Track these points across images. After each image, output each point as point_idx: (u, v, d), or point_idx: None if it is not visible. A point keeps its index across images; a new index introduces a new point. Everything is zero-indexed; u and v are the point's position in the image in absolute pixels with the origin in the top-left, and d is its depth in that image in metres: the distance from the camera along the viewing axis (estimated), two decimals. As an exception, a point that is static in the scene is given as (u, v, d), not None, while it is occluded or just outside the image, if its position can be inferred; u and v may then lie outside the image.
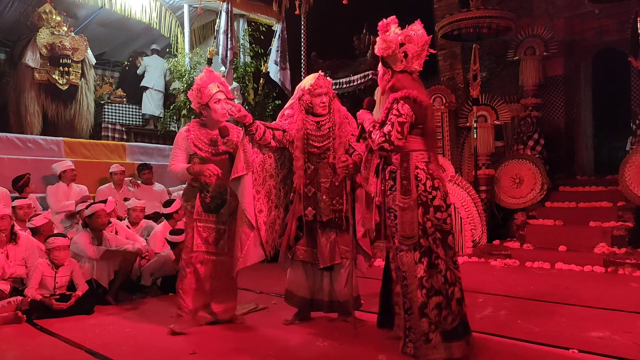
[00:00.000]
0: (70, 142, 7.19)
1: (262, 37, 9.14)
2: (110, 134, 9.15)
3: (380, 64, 2.99)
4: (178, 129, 6.39)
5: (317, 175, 3.54)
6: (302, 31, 8.12)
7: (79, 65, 8.29)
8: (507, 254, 6.33)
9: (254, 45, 9.17)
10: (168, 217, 5.31)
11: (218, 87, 3.59)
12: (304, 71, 8.09)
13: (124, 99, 9.58)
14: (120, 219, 5.54)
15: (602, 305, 4.04)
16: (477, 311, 3.81)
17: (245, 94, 8.64)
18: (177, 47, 9.01)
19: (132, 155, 7.58)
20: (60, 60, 7.98)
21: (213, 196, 3.60)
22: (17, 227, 4.57)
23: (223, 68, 8.13)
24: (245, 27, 9.16)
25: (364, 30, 7.82)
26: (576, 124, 8.54)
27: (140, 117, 9.56)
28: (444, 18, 7.48)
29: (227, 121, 3.68)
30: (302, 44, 8.08)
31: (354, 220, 3.54)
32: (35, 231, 4.74)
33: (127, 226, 5.39)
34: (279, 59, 8.50)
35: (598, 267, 5.57)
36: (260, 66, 9.03)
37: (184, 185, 3.88)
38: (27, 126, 7.69)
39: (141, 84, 9.28)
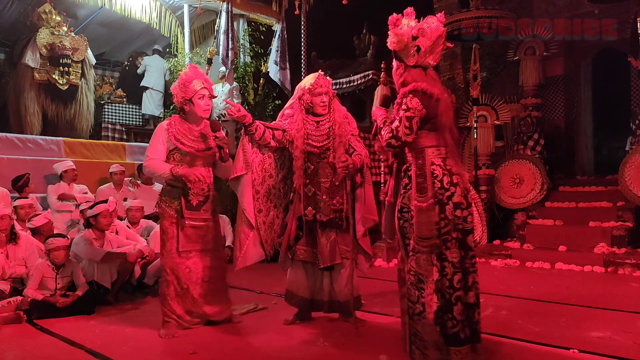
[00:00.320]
0: (70, 142, 7.19)
1: (262, 37, 9.14)
2: (110, 134, 9.15)
3: (393, 59, 2.85)
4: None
5: (317, 175, 3.54)
6: (302, 31, 8.12)
7: (79, 65, 8.29)
8: (507, 254, 6.34)
9: (254, 45, 9.16)
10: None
11: (202, 84, 3.58)
12: (304, 71, 8.09)
13: (124, 99, 9.58)
14: (120, 219, 5.54)
15: (602, 305, 4.04)
16: (478, 311, 3.81)
17: (245, 94, 8.64)
18: (177, 47, 9.00)
19: (132, 155, 7.58)
20: (60, 60, 7.98)
21: (196, 194, 3.54)
22: (17, 227, 4.58)
23: (223, 68, 8.13)
24: (245, 27, 9.15)
25: (364, 30, 7.82)
26: (576, 124, 8.54)
27: (140, 117, 9.55)
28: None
29: (224, 121, 3.70)
30: (302, 44, 8.08)
31: (354, 220, 3.54)
32: (35, 231, 4.74)
33: (127, 226, 5.39)
34: (278, 59, 8.50)
35: (598, 267, 5.57)
36: (260, 66, 9.02)
37: None
38: (27, 126, 7.69)
39: (141, 84, 9.27)
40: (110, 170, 6.44)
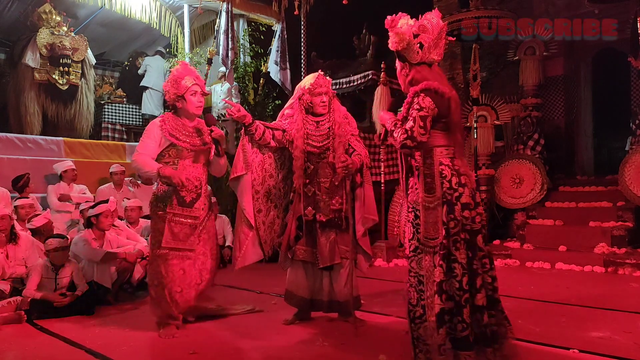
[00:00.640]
0: (70, 142, 7.20)
1: (262, 37, 9.14)
2: (110, 134, 9.15)
3: (396, 60, 2.82)
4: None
5: (317, 175, 3.54)
6: (302, 31, 8.12)
7: (79, 65, 8.30)
8: (507, 254, 6.34)
9: (254, 45, 9.17)
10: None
11: (194, 81, 3.58)
12: (304, 71, 8.08)
13: (124, 99, 9.58)
14: (120, 219, 5.54)
15: (602, 305, 4.04)
16: (477, 311, 3.81)
17: (245, 94, 8.65)
18: (177, 47, 9.00)
19: (132, 155, 7.55)
20: (60, 60, 7.99)
21: (189, 190, 3.51)
22: (17, 227, 4.58)
23: (223, 68, 8.13)
24: (245, 27, 9.16)
25: (364, 30, 7.82)
26: (576, 124, 8.54)
27: (140, 117, 9.56)
28: (444, 18, 7.46)
29: (224, 120, 3.69)
30: (302, 44, 8.08)
31: (353, 220, 3.54)
32: (35, 231, 4.74)
33: (127, 226, 5.39)
34: (279, 59, 8.51)
35: (598, 267, 5.57)
36: (260, 66, 9.03)
37: None
38: (27, 126, 7.69)
39: (141, 84, 9.28)
40: (111, 170, 6.44)
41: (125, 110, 9.44)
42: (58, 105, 8.12)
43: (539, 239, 6.51)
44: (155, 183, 3.62)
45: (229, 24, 7.89)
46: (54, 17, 8.02)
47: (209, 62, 8.41)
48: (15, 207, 5.02)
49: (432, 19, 2.71)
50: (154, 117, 9.25)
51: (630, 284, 4.86)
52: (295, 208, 3.57)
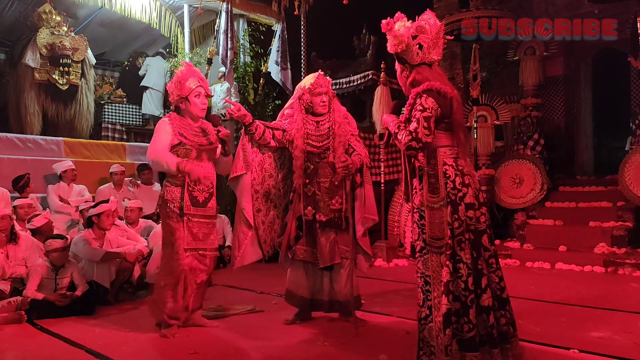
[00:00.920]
0: (70, 142, 7.19)
1: (262, 37, 9.14)
2: (110, 134, 9.15)
3: (396, 62, 2.81)
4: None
5: (317, 175, 3.54)
6: (302, 31, 8.12)
7: (79, 65, 8.29)
8: (507, 254, 6.34)
9: (254, 45, 9.16)
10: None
11: (198, 82, 3.56)
12: (304, 71, 8.08)
13: (124, 99, 9.58)
14: (120, 219, 5.54)
15: (602, 305, 4.04)
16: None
17: (245, 94, 8.64)
18: (177, 47, 9.00)
19: (132, 155, 7.58)
20: (60, 60, 7.98)
21: (201, 190, 3.50)
22: (17, 227, 4.58)
23: (223, 68, 8.13)
24: (245, 27, 9.15)
25: (364, 30, 7.82)
26: (576, 124, 8.54)
27: (140, 117, 9.56)
28: (443, 18, 7.48)
29: (224, 120, 3.68)
30: (302, 44, 8.08)
31: (353, 220, 3.54)
32: (35, 231, 4.74)
33: (127, 226, 5.39)
34: (279, 59, 8.50)
35: (598, 267, 5.57)
36: (260, 66, 9.02)
37: None
38: (27, 126, 7.69)
39: (141, 84, 9.28)
40: (110, 171, 6.44)
41: (125, 110, 9.43)
42: (58, 105, 8.12)
43: (539, 239, 6.51)
44: (161, 184, 3.55)
45: (229, 24, 7.88)
46: (54, 17, 8.02)
47: (209, 62, 8.41)
48: (14, 207, 5.02)
49: (430, 19, 2.71)
50: (154, 117, 9.29)
51: (630, 284, 4.86)
52: (295, 208, 3.57)
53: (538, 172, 7.10)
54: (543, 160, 7.33)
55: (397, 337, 3.24)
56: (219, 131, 3.50)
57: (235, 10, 8.30)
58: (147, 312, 4.11)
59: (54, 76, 7.98)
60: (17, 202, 5.08)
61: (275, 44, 8.67)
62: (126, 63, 10.05)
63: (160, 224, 5.41)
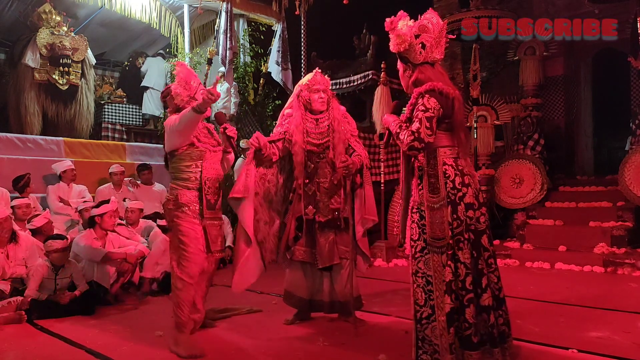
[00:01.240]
0: (70, 142, 7.19)
1: (262, 37, 9.14)
2: (110, 134, 9.15)
3: (398, 62, 2.80)
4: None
5: (317, 175, 3.55)
6: (302, 31, 8.12)
7: (79, 65, 8.29)
8: (507, 254, 6.34)
9: (254, 45, 9.16)
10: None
11: (199, 82, 3.53)
12: (304, 71, 8.08)
13: (124, 99, 9.58)
14: (120, 219, 5.54)
15: (602, 305, 4.04)
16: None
17: (245, 94, 8.65)
18: (177, 47, 9.00)
19: (132, 155, 7.58)
20: (60, 60, 7.98)
21: (213, 192, 3.40)
22: (16, 227, 4.58)
23: (223, 68, 8.13)
24: (245, 27, 9.16)
25: (364, 30, 7.82)
26: (576, 124, 8.54)
27: (140, 117, 9.56)
28: (444, 18, 7.46)
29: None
30: (302, 44, 8.09)
31: (353, 220, 3.55)
32: (35, 231, 4.74)
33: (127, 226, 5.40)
34: (280, 59, 8.50)
35: (598, 267, 5.57)
36: (260, 66, 9.03)
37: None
38: (27, 126, 7.69)
39: (142, 84, 9.28)
40: (110, 171, 6.44)
41: (125, 110, 9.44)
42: (58, 105, 8.12)
43: (539, 239, 6.51)
44: (172, 187, 3.33)
45: (229, 24, 7.88)
46: (54, 17, 8.02)
47: (209, 62, 8.40)
48: (12, 207, 5.03)
49: (432, 18, 2.71)
50: (154, 117, 9.30)
51: (630, 284, 4.86)
52: (294, 208, 3.57)
53: (538, 172, 7.10)
54: (543, 160, 7.33)
55: (397, 337, 3.25)
56: (225, 128, 3.43)
57: (235, 10, 8.30)
58: (148, 312, 4.14)
59: (54, 76, 7.98)
60: (15, 202, 5.09)
61: (275, 44, 8.68)
62: (126, 63, 10.05)
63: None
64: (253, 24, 9.23)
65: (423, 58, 2.69)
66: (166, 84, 9.23)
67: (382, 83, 6.63)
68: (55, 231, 4.95)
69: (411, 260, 2.69)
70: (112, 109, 9.30)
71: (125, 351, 3.19)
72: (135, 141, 8.79)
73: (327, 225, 3.53)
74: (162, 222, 5.28)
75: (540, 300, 4.29)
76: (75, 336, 3.48)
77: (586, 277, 5.34)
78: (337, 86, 7.60)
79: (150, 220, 5.79)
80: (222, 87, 8.17)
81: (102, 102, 9.25)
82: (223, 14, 7.96)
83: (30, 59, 7.77)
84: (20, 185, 5.58)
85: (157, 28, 8.76)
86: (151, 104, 9.28)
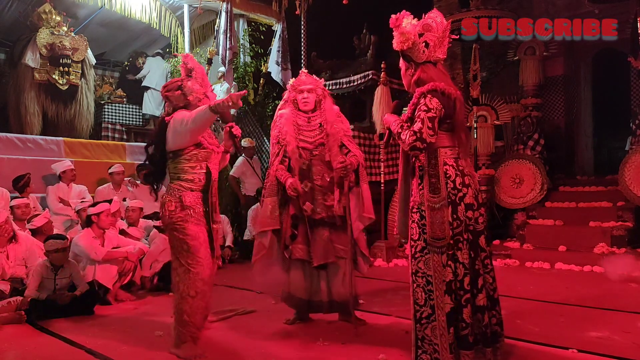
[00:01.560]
0: (70, 142, 7.19)
1: (262, 37, 9.15)
2: (110, 134, 9.15)
3: (401, 60, 2.79)
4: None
5: (311, 172, 3.56)
6: (302, 31, 8.13)
7: (79, 65, 8.29)
8: (507, 254, 6.34)
9: (254, 45, 9.17)
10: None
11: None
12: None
13: (124, 99, 9.59)
14: (121, 219, 5.54)
15: (601, 305, 4.04)
16: (477, 311, 3.81)
17: (245, 94, 8.64)
18: (177, 47, 9.01)
19: (132, 155, 7.58)
20: (60, 60, 7.98)
21: (215, 194, 3.28)
22: (15, 227, 4.58)
23: (223, 68, 8.13)
24: (245, 27, 9.16)
25: (364, 30, 7.82)
26: (576, 124, 8.54)
27: (140, 117, 9.56)
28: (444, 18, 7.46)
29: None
30: (302, 44, 8.09)
31: (350, 220, 3.56)
32: (35, 231, 4.74)
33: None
34: (280, 59, 8.51)
35: (598, 267, 5.56)
36: (260, 66, 9.03)
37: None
38: (27, 126, 7.69)
39: (142, 84, 9.29)
40: (111, 171, 6.43)
41: (125, 110, 9.44)
42: (58, 105, 8.12)
43: (539, 239, 6.51)
44: (174, 189, 3.14)
45: (229, 24, 7.89)
46: (54, 17, 8.02)
47: (209, 62, 8.41)
48: (11, 207, 5.03)
49: (436, 17, 2.71)
50: (154, 117, 9.30)
51: (629, 284, 4.86)
52: (291, 205, 3.59)
53: (538, 172, 7.10)
54: (543, 160, 7.33)
55: (397, 337, 3.25)
56: (231, 127, 3.32)
57: (235, 10, 8.31)
58: (148, 312, 4.12)
59: (54, 76, 7.98)
60: (14, 202, 5.09)
61: (275, 44, 8.68)
62: (126, 63, 10.05)
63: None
64: (253, 24, 9.24)
65: (426, 57, 2.69)
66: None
67: (382, 83, 6.63)
68: (55, 231, 4.95)
69: (411, 260, 2.69)
70: (112, 109, 9.31)
71: (125, 351, 3.19)
72: (135, 141, 8.79)
73: (321, 223, 3.55)
74: (158, 223, 5.29)
75: (540, 300, 4.29)
76: (75, 336, 3.48)
77: (586, 277, 5.33)
78: (337, 86, 7.60)
79: (150, 220, 5.79)
80: (222, 87, 8.18)
81: (102, 102, 9.26)
82: (223, 14, 7.96)
83: (30, 59, 7.77)
84: (20, 185, 5.58)
85: (157, 28, 8.77)
86: (151, 104, 9.29)
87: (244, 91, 3.01)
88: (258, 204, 6.97)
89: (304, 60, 7.98)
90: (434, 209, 2.59)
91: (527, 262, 6.02)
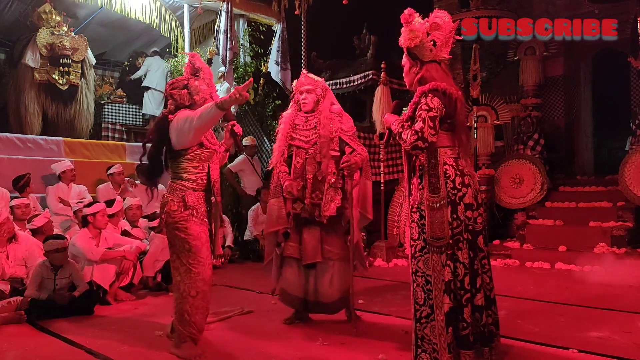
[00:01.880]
0: (70, 142, 7.19)
1: (262, 37, 9.15)
2: (110, 134, 9.15)
3: (405, 57, 2.78)
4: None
5: (305, 171, 3.58)
6: (302, 31, 8.12)
7: (79, 65, 8.29)
8: (507, 254, 6.33)
9: (254, 45, 9.17)
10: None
11: None
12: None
13: (124, 99, 9.58)
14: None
15: (602, 305, 4.04)
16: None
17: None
18: (177, 47, 9.00)
19: (132, 155, 7.57)
20: (60, 60, 7.98)
21: (217, 194, 3.23)
22: (15, 227, 4.57)
23: (223, 68, 8.13)
24: (245, 27, 9.16)
25: (364, 30, 7.82)
26: (576, 124, 8.55)
27: (140, 117, 9.56)
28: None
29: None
30: (302, 44, 8.09)
31: (348, 223, 3.58)
32: (36, 231, 4.74)
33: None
34: (279, 59, 8.51)
35: (598, 267, 5.56)
36: (260, 66, 9.03)
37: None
38: (27, 126, 7.69)
39: (143, 84, 9.28)
40: (110, 171, 6.42)
41: (125, 110, 9.43)
42: (58, 105, 8.11)
43: (539, 239, 6.51)
44: (176, 188, 3.12)
45: (229, 24, 7.89)
46: (54, 17, 8.02)
47: (209, 62, 8.41)
48: (11, 207, 5.03)
49: (444, 16, 2.72)
50: (154, 117, 9.28)
51: (630, 284, 4.85)
52: (286, 204, 3.62)
53: (538, 172, 7.10)
54: (543, 160, 7.33)
55: (397, 337, 3.25)
56: (233, 125, 3.31)
57: (235, 10, 8.30)
58: (147, 312, 4.12)
59: (53, 76, 7.98)
60: (14, 202, 5.08)
61: (275, 44, 8.68)
62: (126, 63, 10.05)
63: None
64: (253, 24, 9.24)
65: (433, 56, 2.70)
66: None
67: (382, 83, 6.63)
68: (54, 232, 4.95)
69: (411, 260, 2.70)
70: (112, 109, 9.30)
71: (125, 351, 3.19)
72: (135, 141, 8.78)
73: (312, 222, 3.56)
74: (153, 224, 5.28)
75: (540, 300, 4.29)
76: (75, 336, 3.48)
77: (586, 277, 5.33)
78: (337, 86, 7.60)
79: (147, 220, 5.79)
80: (222, 87, 8.18)
81: (102, 102, 9.25)
82: (223, 14, 7.96)
83: (30, 59, 7.76)
84: (20, 185, 5.58)
85: (157, 28, 8.77)
86: (151, 104, 9.28)
87: (250, 80, 2.98)
88: (258, 204, 7.01)
89: (304, 60, 7.98)
90: (433, 209, 2.59)
91: (527, 262, 6.02)
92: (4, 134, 6.71)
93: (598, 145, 9.37)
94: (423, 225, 2.63)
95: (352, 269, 3.55)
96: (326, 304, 3.57)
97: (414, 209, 2.69)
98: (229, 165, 7.22)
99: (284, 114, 3.80)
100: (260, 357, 3.02)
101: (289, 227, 3.61)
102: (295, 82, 3.81)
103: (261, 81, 8.94)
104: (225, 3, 7.96)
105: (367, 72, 7.37)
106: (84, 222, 4.64)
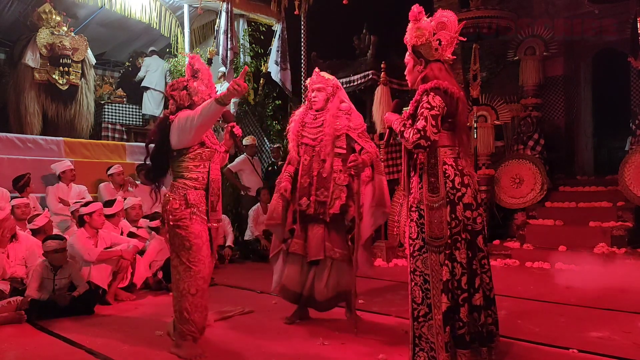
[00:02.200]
0: (70, 142, 7.18)
1: (262, 37, 9.15)
2: (110, 134, 9.14)
3: (408, 55, 2.76)
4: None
5: (311, 169, 3.59)
6: (302, 31, 8.13)
7: (79, 65, 8.28)
8: (507, 253, 6.34)
9: (254, 45, 9.17)
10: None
11: None
12: (304, 71, 8.09)
13: (124, 99, 9.57)
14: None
15: (602, 305, 4.04)
16: (477, 311, 3.81)
17: (245, 94, 8.64)
18: (177, 47, 9.00)
19: (132, 155, 7.57)
20: (60, 60, 7.97)
21: (214, 193, 3.25)
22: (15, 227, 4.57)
23: (223, 68, 8.12)
24: (245, 27, 9.16)
25: (364, 30, 7.82)
26: (576, 124, 8.54)
27: (140, 117, 9.55)
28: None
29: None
30: (302, 44, 8.09)
31: (352, 222, 3.59)
32: (36, 231, 4.73)
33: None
34: (279, 59, 8.51)
35: (598, 267, 5.56)
36: (260, 66, 9.03)
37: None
38: (27, 126, 7.68)
39: (142, 84, 9.28)
40: (110, 172, 6.41)
41: (126, 110, 9.42)
42: (58, 105, 8.10)
43: (539, 239, 6.51)
44: (178, 187, 3.13)
45: (229, 24, 7.89)
46: (54, 17, 8.01)
47: (209, 62, 8.41)
48: (11, 207, 5.01)
49: (450, 16, 2.72)
50: (154, 117, 9.29)
51: (630, 284, 4.85)
52: (291, 199, 3.65)
53: (538, 172, 7.10)
54: (543, 160, 7.33)
55: (396, 337, 3.25)
56: (233, 126, 3.34)
57: (235, 10, 8.30)
58: (147, 312, 4.12)
59: (54, 76, 7.97)
60: (14, 202, 5.07)
61: (275, 44, 8.68)
62: (127, 63, 10.05)
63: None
64: (253, 24, 9.23)
65: (438, 55, 2.70)
66: (166, 83, 9.24)
67: (382, 83, 6.63)
68: (54, 231, 4.94)
69: (410, 259, 2.70)
70: (112, 109, 9.29)
71: (125, 351, 3.19)
72: (135, 141, 8.77)
73: (316, 219, 3.57)
74: (154, 224, 5.26)
75: (540, 300, 4.29)
76: (75, 336, 3.48)
77: (586, 277, 5.32)
78: (337, 86, 7.59)
79: (148, 220, 5.79)
80: (222, 87, 8.18)
81: (102, 102, 9.24)
82: (223, 14, 7.96)
83: (30, 59, 7.76)
84: (20, 185, 5.58)
85: (157, 28, 8.76)
86: (151, 104, 9.28)
87: (245, 68, 2.98)
88: (258, 204, 7.02)
89: (304, 60, 7.98)
90: (432, 208, 2.60)
91: (527, 262, 6.02)
92: (4, 134, 6.71)
93: (598, 145, 9.37)
94: (422, 225, 2.63)
95: (355, 268, 3.54)
96: (318, 301, 3.59)
97: (413, 208, 2.69)
98: (229, 165, 7.23)
99: (296, 112, 3.86)
100: (261, 357, 3.03)
101: (292, 224, 3.65)
102: (308, 80, 3.85)
103: (261, 81, 8.94)
104: (225, 3, 7.96)
105: (367, 72, 7.36)
106: (81, 221, 4.63)
